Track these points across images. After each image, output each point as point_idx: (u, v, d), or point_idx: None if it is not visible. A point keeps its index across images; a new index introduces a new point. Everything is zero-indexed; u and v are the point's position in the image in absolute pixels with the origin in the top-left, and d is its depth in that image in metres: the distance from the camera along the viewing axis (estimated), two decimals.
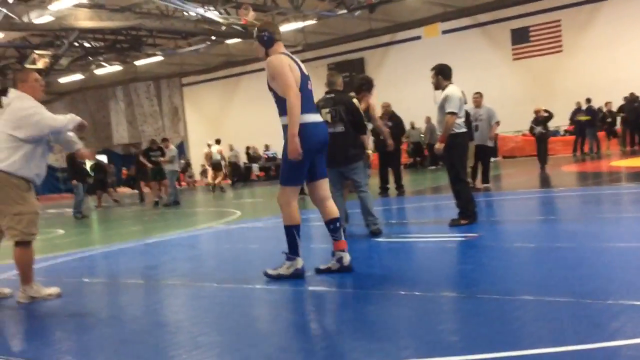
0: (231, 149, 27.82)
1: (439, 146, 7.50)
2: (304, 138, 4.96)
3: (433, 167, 23.65)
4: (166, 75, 36.83)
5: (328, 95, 7.39)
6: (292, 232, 5.17)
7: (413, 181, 17.23)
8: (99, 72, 32.65)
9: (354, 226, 8.01)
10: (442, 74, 7.58)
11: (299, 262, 5.23)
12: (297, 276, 5.18)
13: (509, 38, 26.40)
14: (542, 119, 17.95)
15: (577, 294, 3.94)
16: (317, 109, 7.26)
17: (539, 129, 18.07)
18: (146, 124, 38.82)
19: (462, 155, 7.57)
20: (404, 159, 22.60)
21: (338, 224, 5.26)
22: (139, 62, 31.28)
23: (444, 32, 27.70)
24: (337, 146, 7.25)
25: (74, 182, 16.18)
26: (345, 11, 24.13)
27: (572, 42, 25.01)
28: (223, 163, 24.11)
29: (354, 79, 8.61)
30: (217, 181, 23.08)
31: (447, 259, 5.90)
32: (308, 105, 5.10)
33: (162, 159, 17.40)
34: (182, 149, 33.63)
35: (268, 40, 5.21)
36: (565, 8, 24.93)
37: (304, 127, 4.98)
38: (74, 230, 13.03)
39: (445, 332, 3.58)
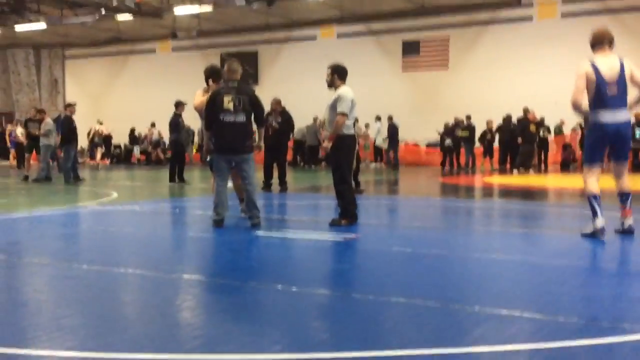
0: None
1: (326, 145, 7.54)
2: (596, 129, 6.33)
3: (312, 167, 24.00)
4: (48, 44, 34.92)
5: (230, 84, 7.29)
6: (589, 199, 6.35)
7: (296, 179, 17.31)
8: None
9: (232, 218, 7.94)
10: (338, 73, 7.59)
11: (598, 223, 6.29)
12: (595, 235, 6.30)
13: (400, 49, 27.20)
14: (451, 131, 18.84)
15: (446, 299, 4.08)
16: (219, 95, 7.17)
17: (448, 141, 19.13)
18: (21, 94, 36.65)
19: (349, 157, 7.62)
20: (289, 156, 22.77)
21: (625, 197, 6.47)
22: (19, 27, 29.45)
23: (339, 35, 28.14)
24: (236, 135, 7.18)
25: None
26: (243, 2, 23.91)
27: (458, 60, 26.16)
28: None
29: (207, 69, 8.55)
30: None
31: (325, 258, 5.94)
32: (603, 103, 6.20)
33: (37, 131, 16.44)
34: (59, 123, 31.96)
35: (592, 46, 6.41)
36: (454, 27, 26.03)
37: (596, 121, 6.31)
38: None
39: (317, 329, 3.60)
